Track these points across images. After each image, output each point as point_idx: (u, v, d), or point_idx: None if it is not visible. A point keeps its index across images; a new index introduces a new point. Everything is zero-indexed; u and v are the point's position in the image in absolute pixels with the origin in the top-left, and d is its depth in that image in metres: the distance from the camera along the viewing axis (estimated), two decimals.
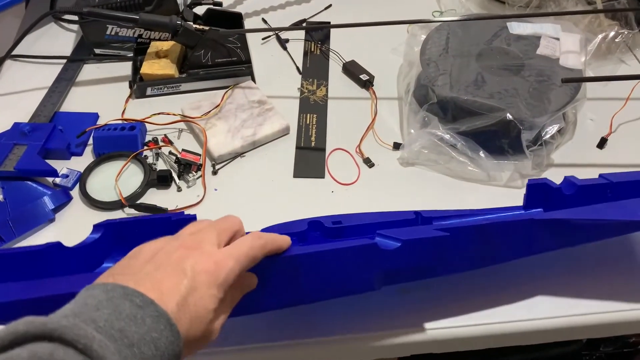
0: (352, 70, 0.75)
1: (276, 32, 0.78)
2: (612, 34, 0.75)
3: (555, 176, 0.56)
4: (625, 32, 0.74)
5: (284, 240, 0.42)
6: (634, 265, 0.55)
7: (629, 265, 0.55)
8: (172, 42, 0.73)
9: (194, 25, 0.69)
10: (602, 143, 0.66)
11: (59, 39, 0.83)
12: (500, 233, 0.47)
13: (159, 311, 0.31)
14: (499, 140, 0.61)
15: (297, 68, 0.77)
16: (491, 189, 0.62)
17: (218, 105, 0.68)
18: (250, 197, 0.61)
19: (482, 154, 0.61)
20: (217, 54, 0.71)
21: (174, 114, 0.68)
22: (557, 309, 0.52)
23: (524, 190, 0.54)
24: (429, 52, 0.68)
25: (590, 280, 0.54)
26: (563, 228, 0.49)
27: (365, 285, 0.46)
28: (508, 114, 0.59)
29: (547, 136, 0.60)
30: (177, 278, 0.34)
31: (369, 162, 0.65)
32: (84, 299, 0.31)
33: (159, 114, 0.67)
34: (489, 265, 0.50)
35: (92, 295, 0.31)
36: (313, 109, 0.71)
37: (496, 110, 0.59)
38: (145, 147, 0.65)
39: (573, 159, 0.65)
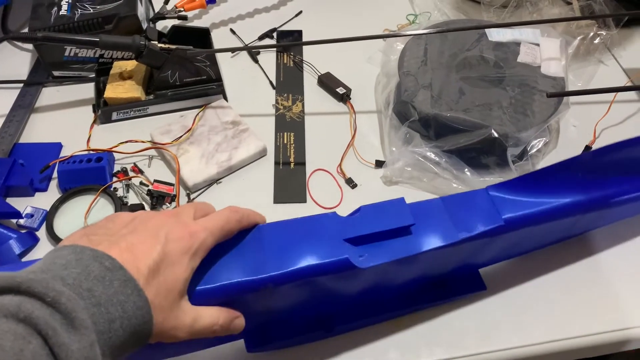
0: (327, 83, 0.72)
1: (247, 49, 0.75)
2: (590, 35, 0.73)
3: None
4: (604, 33, 0.73)
5: (260, 217, 0.43)
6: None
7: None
8: (136, 62, 0.69)
9: (159, 45, 0.65)
10: (586, 150, 0.65)
11: (13, 60, 0.77)
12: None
13: (127, 276, 0.31)
14: (484, 157, 0.59)
15: (271, 83, 0.73)
16: None
17: (190, 130, 0.65)
18: None
19: (467, 171, 0.59)
20: (185, 73, 0.67)
21: (143, 141, 0.64)
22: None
23: None
24: (407, 64, 0.66)
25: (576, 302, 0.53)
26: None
27: None
28: (493, 131, 0.57)
29: (534, 150, 0.59)
30: (150, 243, 0.34)
31: (351, 183, 0.62)
32: (52, 258, 0.31)
33: (126, 142, 0.63)
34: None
35: (61, 255, 0.31)
36: (290, 126, 0.68)
37: (480, 127, 0.57)
38: (115, 179, 0.61)
39: None
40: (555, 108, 0.60)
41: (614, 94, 0.67)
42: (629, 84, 0.71)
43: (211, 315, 0.37)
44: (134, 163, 0.63)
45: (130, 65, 0.69)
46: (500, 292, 0.53)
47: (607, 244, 0.57)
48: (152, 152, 0.65)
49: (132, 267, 0.32)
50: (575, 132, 0.68)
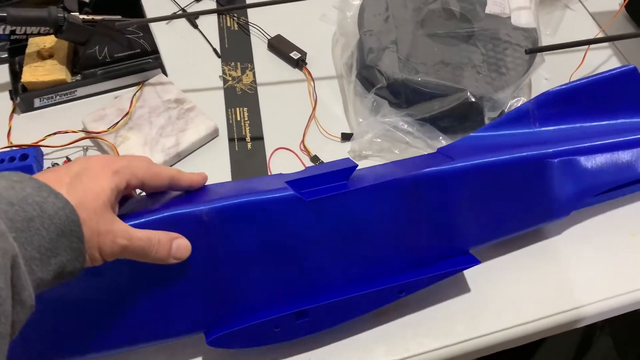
0: (279, 47, 0.64)
1: (185, 15, 0.65)
2: None
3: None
4: None
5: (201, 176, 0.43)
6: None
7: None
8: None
9: (81, 16, 0.56)
10: None
11: None
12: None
13: (40, 183, 0.32)
14: (460, 123, 0.54)
15: (215, 50, 0.65)
16: None
17: (127, 113, 0.56)
18: None
19: (442, 139, 0.54)
20: (115, 48, 0.58)
21: (74, 131, 0.55)
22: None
23: None
24: (367, 22, 0.59)
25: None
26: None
27: None
28: (469, 94, 0.52)
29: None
30: (72, 163, 0.36)
31: (317, 160, 0.56)
32: None
33: (55, 133, 0.55)
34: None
35: None
36: (242, 100, 0.61)
37: (455, 91, 0.52)
38: None
39: None
40: (530, 63, 0.56)
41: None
42: (599, 31, 0.67)
43: (149, 231, 0.37)
44: (67, 157, 0.55)
45: (49, 41, 0.60)
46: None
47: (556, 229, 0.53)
48: (87, 142, 0.56)
49: (53, 179, 0.33)
50: (548, 85, 0.63)
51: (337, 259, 0.43)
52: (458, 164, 0.45)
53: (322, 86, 0.62)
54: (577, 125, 0.51)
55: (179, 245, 0.38)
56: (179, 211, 0.39)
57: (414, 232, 0.44)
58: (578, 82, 0.51)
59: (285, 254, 0.42)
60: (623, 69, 0.51)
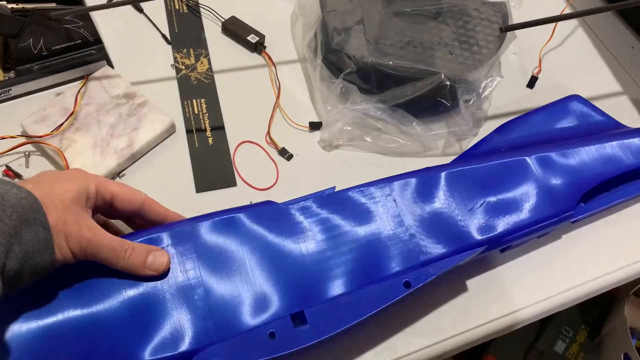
0: (234, 30, 0.60)
1: (130, 2, 0.59)
2: None
3: (492, 129, 0.53)
4: None
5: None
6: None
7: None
8: None
9: (10, 6, 0.49)
10: (532, 82, 0.59)
11: None
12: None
13: (2, 180, 0.33)
14: (434, 107, 0.52)
15: (164, 36, 0.60)
16: (429, 160, 0.54)
17: (72, 113, 0.51)
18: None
19: (415, 124, 0.52)
20: (52, 39, 0.52)
21: (13, 136, 0.49)
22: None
23: None
24: (330, 0, 0.55)
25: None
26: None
27: None
28: (443, 76, 0.49)
29: (487, 92, 0.52)
30: (38, 175, 0.36)
31: (285, 154, 0.53)
32: None
33: None
34: None
35: None
36: (198, 91, 0.56)
37: (428, 74, 0.49)
38: None
39: (506, 105, 0.58)
40: (502, 39, 0.53)
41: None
42: (567, 4, 0.65)
43: (123, 238, 0.37)
44: (6, 165, 0.49)
45: None
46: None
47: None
48: (29, 147, 0.51)
49: (18, 182, 0.34)
50: (517, 61, 0.62)
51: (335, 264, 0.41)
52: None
53: (284, 71, 0.58)
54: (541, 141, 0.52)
55: (157, 257, 0.38)
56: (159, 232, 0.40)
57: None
58: (533, 112, 0.55)
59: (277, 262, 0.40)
60: (569, 98, 0.56)
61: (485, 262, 0.48)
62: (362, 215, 0.43)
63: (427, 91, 0.49)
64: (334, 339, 0.41)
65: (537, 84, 0.60)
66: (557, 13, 0.65)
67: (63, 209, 0.34)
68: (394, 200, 0.44)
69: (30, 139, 0.50)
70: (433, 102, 0.51)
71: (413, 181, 0.45)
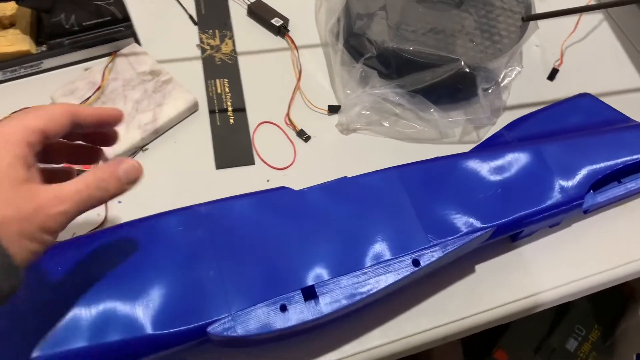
0: (259, 13, 0.61)
1: None
2: None
3: (511, 120, 0.54)
4: None
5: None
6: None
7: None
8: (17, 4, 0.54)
9: None
10: (553, 74, 0.59)
11: None
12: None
13: None
14: (452, 94, 0.52)
15: (191, 17, 0.61)
16: (446, 147, 0.54)
17: (99, 87, 0.53)
18: (165, 204, 0.48)
19: (433, 111, 0.52)
20: (83, 15, 0.54)
21: None
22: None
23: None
24: None
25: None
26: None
27: None
28: (463, 64, 0.49)
29: (506, 81, 0.52)
30: None
31: (303, 135, 0.54)
32: None
33: (19, 110, 0.51)
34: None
35: None
36: (222, 71, 0.57)
37: (448, 61, 0.50)
38: None
39: (525, 96, 0.58)
40: (524, 29, 0.54)
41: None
42: None
43: (81, 177, 0.32)
44: None
45: (9, 8, 0.55)
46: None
47: None
48: None
49: None
50: (539, 53, 0.62)
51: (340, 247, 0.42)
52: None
53: (306, 55, 0.59)
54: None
55: (127, 169, 0.34)
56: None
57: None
58: (542, 109, 0.55)
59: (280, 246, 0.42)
60: (580, 96, 0.57)
61: (496, 249, 0.49)
62: (373, 200, 0.44)
63: (446, 78, 0.50)
64: (343, 315, 0.42)
65: (558, 76, 0.60)
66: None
67: (6, 206, 0.28)
68: (405, 187, 0.45)
69: None
70: (452, 89, 0.52)
71: (425, 168, 0.46)
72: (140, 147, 0.52)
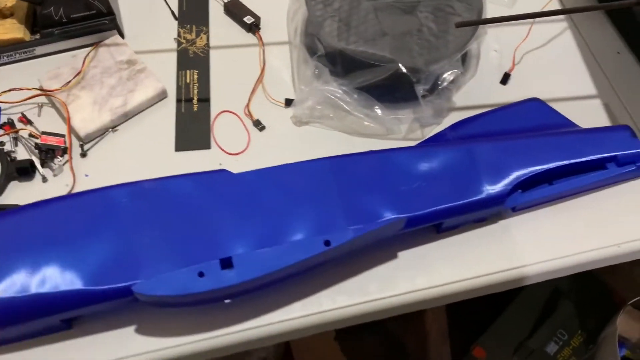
0: (234, 11, 0.66)
1: None
2: None
3: (457, 120, 0.57)
4: None
5: None
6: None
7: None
8: None
9: None
10: (505, 79, 0.62)
11: None
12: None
13: None
14: (393, 93, 0.56)
15: (172, 12, 0.67)
16: (391, 142, 0.58)
17: (79, 73, 0.59)
18: (126, 179, 0.52)
19: (377, 108, 0.56)
20: (71, 8, 0.60)
21: (29, 88, 0.58)
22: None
23: None
24: None
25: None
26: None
27: None
28: (400, 65, 0.53)
29: (445, 84, 0.56)
30: None
31: (259, 125, 0.59)
32: None
33: (10, 90, 0.57)
34: None
35: None
36: (193, 63, 0.63)
37: (387, 61, 0.53)
38: (0, 132, 0.56)
39: (476, 99, 0.61)
40: (470, 35, 0.57)
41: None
42: (550, 4, 0.67)
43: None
44: (22, 113, 0.58)
45: (10, 0, 0.62)
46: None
47: None
48: (43, 99, 0.59)
49: None
50: (497, 58, 0.64)
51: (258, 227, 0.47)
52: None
53: (273, 52, 0.64)
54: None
55: None
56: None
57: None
58: (489, 112, 0.59)
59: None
60: (529, 101, 0.60)
61: (420, 238, 0.52)
62: (304, 186, 0.49)
63: (384, 78, 0.54)
64: (260, 286, 0.47)
65: (512, 81, 0.62)
66: None
67: None
68: (335, 176, 0.49)
69: (44, 91, 0.58)
70: (391, 89, 0.55)
71: (357, 160, 0.51)
72: (110, 128, 0.58)
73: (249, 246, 0.46)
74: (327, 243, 0.46)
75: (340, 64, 0.56)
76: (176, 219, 0.47)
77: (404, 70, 0.53)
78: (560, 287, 1.07)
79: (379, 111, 0.56)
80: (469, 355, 1.05)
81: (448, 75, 0.55)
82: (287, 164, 0.50)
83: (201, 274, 0.44)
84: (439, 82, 0.55)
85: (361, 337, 1.19)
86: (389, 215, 0.48)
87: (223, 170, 0.50)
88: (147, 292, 0.43)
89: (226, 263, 0.45)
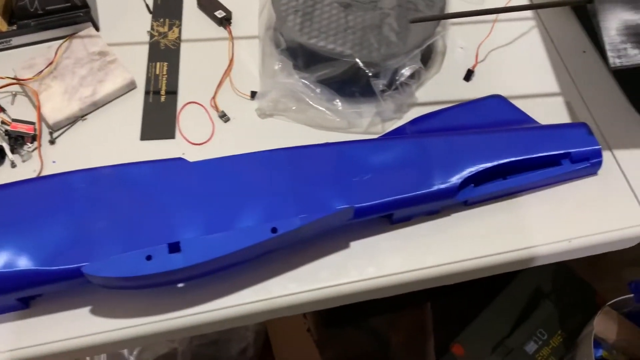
0: (207, 5, 0.68)
1: None
2: None
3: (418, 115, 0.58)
4: None
5: None
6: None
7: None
8: None
9: None
10: (468, 75, 0.63)
11: None
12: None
13: None
14: (351, 87, 0.57)
15: (147, 6, 0.69)
16: (352, 136, 0.59)
17: (51, 63, 0.61)
18: (92, 165, 0.54)
19: (337, 102, 0.57)
20: (46, 0, 0.62)
21: (2, 77, 0.60)
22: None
23: None
24: None
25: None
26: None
27: None
28: (357, 60, 0.54)
29: (402, 79, 0.57)
30: None
31: (224, 116, 0.60)
32: None
33: None
34: None
35: None
36: (164, 55, 0.65)
37: (344, 56, 0.55)
38: None
39: (438, 95, 0.62)
40: (430, 32, 0.58)
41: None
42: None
43: None
44: None
45: None
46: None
47: None
48: (17, 88, 0.61)
49: None
50: (463, 55, 0.65)
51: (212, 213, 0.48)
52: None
53: (243, 46, 0.65)
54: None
55: None
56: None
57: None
58: (449, 107, 0.60)
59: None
60: (491, 97, 0.60)
61: (373, 228, 0.53)
62: (258, 175, 0.50)
63: (343, 72, 0.55)
64: (209, 271, 0.49)
65: (476, 78, 0.63)
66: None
67: None
68: (290, 166, 0.50)
69: (16, 80, 0.60)
70: (348, 83, 0.57)
71: (312, 152, 0.52)
72: (80, 117, 0.60)
73: (198, 232, 0.47)
74: (274, 230, 0.47)
75: (301, 57, 0.57)
76: (131, 204, 0.48)
77: (361, 64, 0.54)
78: (542, 287, 1.07)
79: (339, 105, 0.57)
80: (448, 353, 1.05)
81: (406, 71, 0.56)
82: (242, 154, 0.51)
83: (149, 257, 0.46)
84: (397, 78, 0.56)
85: (344, 330, 1.21)
86: (338, 205, 0.49)
87: (179, 159, 0.51)
88: (96, 274, 0.45)
89: (174, 247, 0.46)
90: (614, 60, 0.49)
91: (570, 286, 1.08)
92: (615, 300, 0.95)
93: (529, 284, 1.08)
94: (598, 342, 0.95)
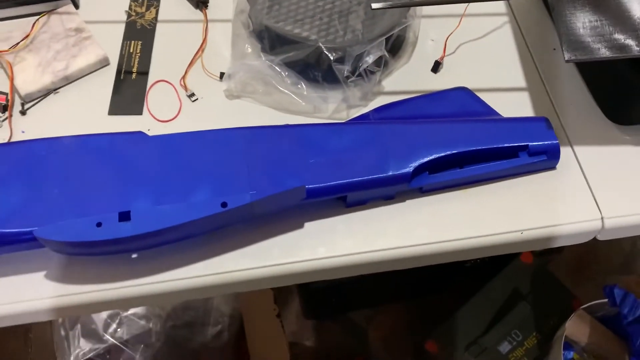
0: None
1: None
2: None
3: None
4: None
5: None
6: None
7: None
8: None
9: None
10: (435, 66, 0.64)
11: None
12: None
13: None
14: (315, 71, 0.58)
15: None
16: (317, 120, 0.60)
17: (27, 36, 0.62)
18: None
19: (301, 85, 0.58)
20: None
21: None
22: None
23: None
24: None
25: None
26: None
27: None
28: (320, 45, 0.55)
29: (365, 66, 0.57)
30: None
31: (192, 96, 0.61)
32: None
33: None
34: None
35: None
36: (139, 35, 0.66)
37: (307, 40, 0.56)
38: None
39: (405, 85, 0.63)
40: (396, 21, 0.58)
41: (467, 4, 0.64)
42: None
43: None
44: None
45: None
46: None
47: None
48: None
49: None
50: (433, 47, 0.66)
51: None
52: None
53: (217, 28, 0.66)
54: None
55: None
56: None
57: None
58: (415, 97, 0.61)
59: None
60: (456, 89, 0.61)
61: (327, 211, 0.54)
62: (215, 152, 0.51)
63: (306, 56, 0.56)
64: (163, 242, 0.50)
65: (444, 70, 0.64)
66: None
67: None
68: (247, 145, 0.51)
69: None
70: (312, 67, 0.57)
71: (270, 132, 0.53)
72: (52, 90, 0.61)
73: (151, 203, 0.48)
74: (224, 205, 0.48)
75: (268, 40, 0.58)
76: (88, 173, 0.50)
77: (324, 49, 0.55)
78: (521, 288, 1.08)
79: (304, 89, 0.58)
80: (422, 350, 1.06)
81: (369, 58, 0.57)
82: (201, 131, 0.53)
83: (99, 224, 0.47)
84: (360, 64, 0.57)
85: (323, 323, 1.22)
86: (291, 185, 0.50)
87: (139, 132, 0.52)
88: (47, 237, 0.46)
89: (124, 216, 0.47)
90: (569, 55, 0.50)
91: (548, 289, 1.08)
92: (590, 304, 0.95)
93: (508, 284, 1.08)
94: (570, 345, 0.95)
